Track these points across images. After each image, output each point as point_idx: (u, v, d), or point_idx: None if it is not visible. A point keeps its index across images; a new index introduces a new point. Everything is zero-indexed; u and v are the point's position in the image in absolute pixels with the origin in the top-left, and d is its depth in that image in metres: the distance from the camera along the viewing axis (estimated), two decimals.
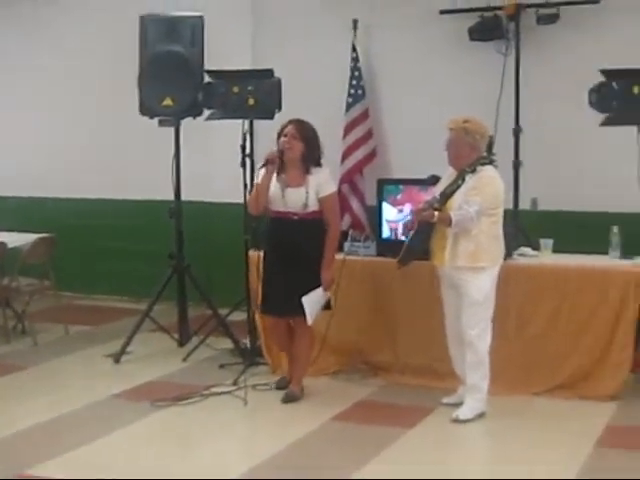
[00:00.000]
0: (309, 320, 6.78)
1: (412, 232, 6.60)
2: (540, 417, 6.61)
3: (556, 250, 7.36)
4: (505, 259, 6.67)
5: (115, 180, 10.36)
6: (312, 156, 6.85)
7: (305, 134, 6.82)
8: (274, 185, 6.85)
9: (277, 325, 7.11)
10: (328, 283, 6.85)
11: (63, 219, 10.38)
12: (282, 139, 6.82)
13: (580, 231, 8.08)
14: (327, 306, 6.98)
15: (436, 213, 6.42)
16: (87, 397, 7.09)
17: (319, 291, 6.79)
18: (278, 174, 6.85)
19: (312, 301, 6.77)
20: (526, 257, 7.26)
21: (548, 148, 8.62)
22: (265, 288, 6.99)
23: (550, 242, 7.34)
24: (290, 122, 6.89)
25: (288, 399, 6.94)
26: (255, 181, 7.05)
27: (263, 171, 6.87)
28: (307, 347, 7.04)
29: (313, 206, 6.81)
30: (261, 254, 7.06)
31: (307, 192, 6.79)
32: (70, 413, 6.78)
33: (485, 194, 6.37)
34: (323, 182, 6.85)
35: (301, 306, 6.74)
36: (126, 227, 10.45)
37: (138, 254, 10.24)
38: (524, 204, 8.49)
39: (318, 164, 6.88)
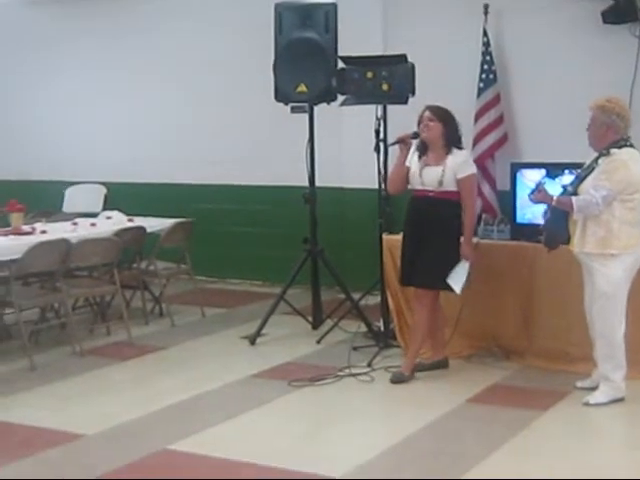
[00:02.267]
0: (457, 290, 6.90)
1: (547, 216, 6.61)
2: None
3: None
4: None
5: (250, 166, 10.57)
6: (452, 136, 6.97)
7: (442, 116, 6.96)
8: (414, 165, 7.02)
9: (408, 300, 7.26)
10: (468, 256, 6.94)
11: (198, 205, 10.64)
12: (421, 125, 6.97)
13: None
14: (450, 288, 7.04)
15: (555, 197, 6.41)
16: (226, 376, 7.28)
17: (460, 264, 6.90)
18: (420, 157, 7.00)
19: (456, 274, 6.87)
20: None
21: None
22: (403, 261, 7.14)
23: None
24: (426, 107, 7.04)
25: (395, 380, 7.02)
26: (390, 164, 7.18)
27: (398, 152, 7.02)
28: (421, 322, 7.07)
29: (449, 185, 6.91)
30: (392, 237, 7.18)
31: (444, 170, 6.90)
32: (210, 391, 6.98)
33: (615, 179, 6.27)
34: (462, 163, 6.95)
35: (430, 278, 6.89)
36: (261, 212, 10.64)
37: (273, 239, 10.44)
38: None
39: (459, 146, 6.97)
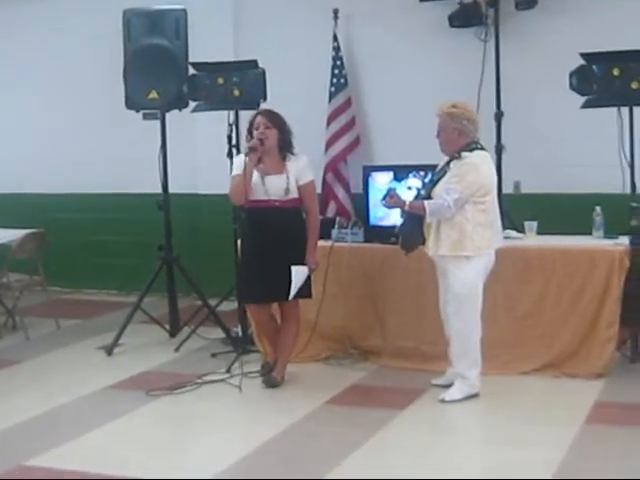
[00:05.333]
0: (292, 294, 6.85)
1: (402, 220, 6.70)
2: (529, 396, 6.70)
3: (540, 232, 7.45)
4: None
5: (102, 174, 10.40)
6: (287, 142, 6.93)
7: (277, 122, 6.91)
8: (254, 175, 6.87)
9: (260, 312, 7.16)
10: (314, 266, 6.96)
11: (50, 214, 10.41)
12: (256, 131, 6.87)
13: (563, 213, 8.18)
14: (308, 293, 7.05)
15: (407, 202, 6.50)
16: (82, 389, 7.14)
17: (305, 270, 6.89)
18: (257, 164, 6.88)
19: (299, 277, 6.85)
20: (511, 239, 7.32)
21: (530, 132, 8.70)
22: (248, 276, 7.05)
23: (534, 224, 7.44)
24: (258, 113, 7.01)
25: (270, 384, 7.01)
26: (234, 172, 6.95)
27: (241, 161, 6.85)
28: (293, 334, 7.10)
29: (293, 192, 6.89)
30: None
31: (288, 178, 6.87)
32: (66, 405, 6.83)
33: (466, 182, 6.36)
34: (302, 169, 6.94)
35: (285, 291, 6.83)
36: (114, 220, 10.50)
37: (127, 247, 10.32)
38: (507, 188, 8.56)
39: (292, 151, 6.95)
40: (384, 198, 6.65)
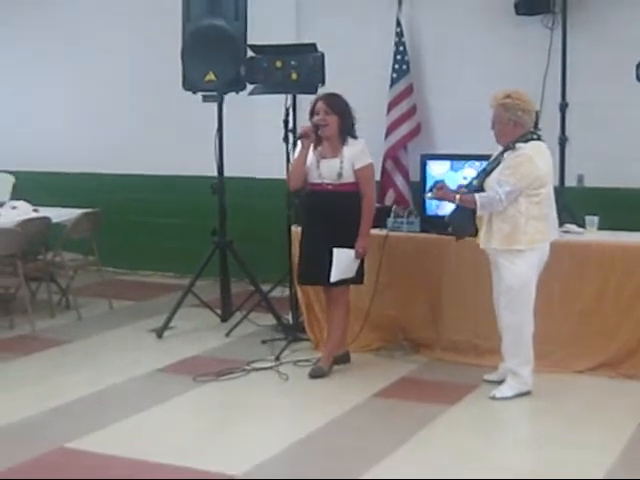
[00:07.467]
0: (333, 276, 6.76)
1: (453, 210, 6.55)
2: (583, 396, 6.53)
3: (602, 227, 7.26)
4: None
5: (158, 156, 10.36)
6: (347, 127, 6.84)
7: (337, 107, 6.82)
8: (310, 157, 6.86)
9: (318, 293, 7.14)
10: (362, 251, 6.83)
11: (107, 195, 10.43)
12: (316, 117, 6.81)
13: (626, 208, 8.01)
14: (359, 280, 6.96)
15: (458, 196, 6.34)
16: (130, 371, 7.13)
17: (351, 253, 6.78)
18: (315, 147, 6.86)
19: (342, 260, 6.75)
20: (571, 234, 7.16)
21: (595, 124, 8.49)
22: (302, 259, 7.04)
23: (596, 219, 7.24)
24: (320, 98, 6.91)
25: (315, 374, 6.92)
26: (292, 156, 7.03)
27: (299, 146, 6.89)
28: (341, 319, 7.00)
29: (348, 177, 6.81)
30: (299, 230, 7.15)
31: (342, 162, 6.79)
32: (113, 386, 6.83)
33: (519, 174, 6.20)
34: (359, 153, 6.83)
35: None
36: (169, 203, 10.47)
37: (181, 230, 10.28)
38: (570, 181, 8.38)
39: (354, 135, 6.86)
40: (431, 190, 6.50)
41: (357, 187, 6.85)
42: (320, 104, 6.84)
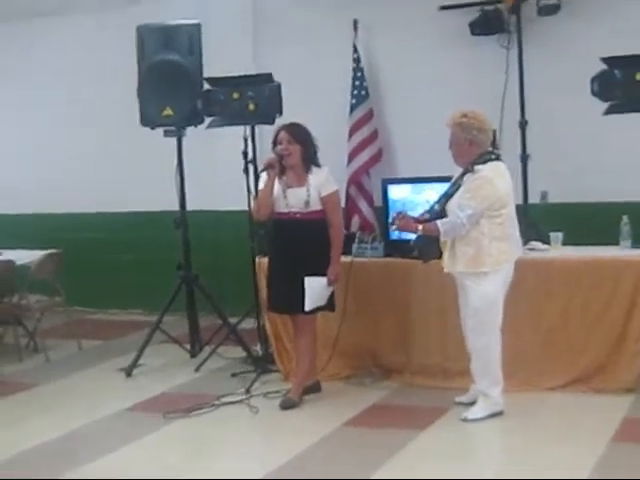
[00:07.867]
0: (307, 306, 6.74)
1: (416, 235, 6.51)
2: (555, 413, 6.52)
3: (567, 243, 7.24)
4: None
5: (118, 193, 10.33)
6: (310, 156, 6.86)
7: (299, 136, 6.83)
8: (276, 187, 6.87)
9: (285, 323, 7.14)
10: (334, 278, 6.83)
11: (69, 234, 10.36)
12: (278, 147, 6.82)
13: (590, 223, 7.98)
14: (330, 307, 6.95)
15: (420, 226, 6.31)
16: (100, 412, 7.05)
17: (323, 281, 6.76)
18: (280, 177, 6.86)
19: (314, 288, 6.74)
20: (536, 251, 7.14)
21: (555, 140, 8.53)
22: (272, 288, 7.03)
23: (560, 235, 7.23)
24: (282, 128, 6.91)
25: (285, 406, 6.87)
26: (253, 188, 7.05)
27: (265, 176, 6.87)
28: (308, 347, 6.96)
29: (315, 205, 6.81)
30: (266, 260, 7.15)
31: (308, 190, 6.80)
32: (83, 428, 6.76)
33: (479, 197, 6.18)
34: (324, 181, 6.84)
35: (301, 303, 6.74)
36: (132, 239, 10.42)
37: (146, 266, 10.23)
38: (534, 198, 8.37)
39: (317, 164, 6.87)
40: (393, 222, 6.46)
41: (323, 215, 6.86)
42: (282, 134, 6.84)
